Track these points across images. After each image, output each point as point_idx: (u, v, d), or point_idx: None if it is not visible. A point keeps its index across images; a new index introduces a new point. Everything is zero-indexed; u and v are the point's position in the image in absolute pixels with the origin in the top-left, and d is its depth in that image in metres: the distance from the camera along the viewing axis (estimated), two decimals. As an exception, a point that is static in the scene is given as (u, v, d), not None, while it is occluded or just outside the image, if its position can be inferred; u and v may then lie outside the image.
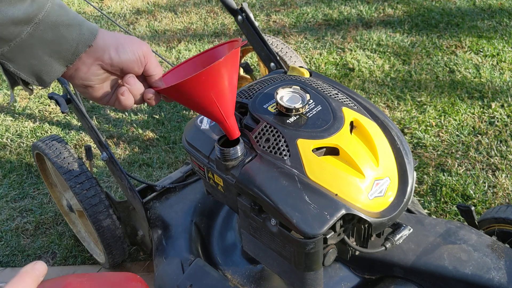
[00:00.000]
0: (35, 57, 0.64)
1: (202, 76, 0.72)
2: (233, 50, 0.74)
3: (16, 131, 2.41)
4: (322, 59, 2.75)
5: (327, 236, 0.89)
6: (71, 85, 1.52)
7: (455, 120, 2.22)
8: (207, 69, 0.71)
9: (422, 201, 1.84)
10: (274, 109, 0.99)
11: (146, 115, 2.45)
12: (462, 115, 2.25)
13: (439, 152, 2.05)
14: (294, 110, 0.96)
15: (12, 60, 0.63)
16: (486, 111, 2.25)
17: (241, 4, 1.47)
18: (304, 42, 2.93)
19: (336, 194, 0.88)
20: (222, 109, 0.81)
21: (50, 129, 2.41)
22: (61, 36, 0.64)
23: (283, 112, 0.97)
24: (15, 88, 0.69)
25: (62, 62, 0.67)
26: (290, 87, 1.00)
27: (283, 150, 0.92)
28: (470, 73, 2.52)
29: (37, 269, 0.52)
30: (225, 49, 0.80)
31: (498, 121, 2.19)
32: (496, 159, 1.99)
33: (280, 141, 0.93)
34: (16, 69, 0.64)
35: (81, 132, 2.37)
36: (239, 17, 1.48)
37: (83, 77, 0.70)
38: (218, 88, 0.76)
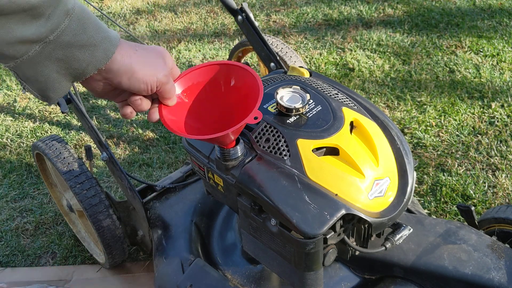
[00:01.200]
0: (42, 74, 0.61)
1: (213, 138, 0.75)
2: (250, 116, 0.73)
3: (16, 131, 2.41)
4: (322, 59, 2.75)
5: (327, 236, 0.89)
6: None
7: (455, 120, 2.22)
8: (219, 135, 0.73)
9: (422, 201, 1.84)
10: (274, 109, 0.99)
11: (146, 115, 2.45)
12: (462, 115, 2.25)
13: (439, 152, 2.05)
14: (294, 110, 0.96)
15: (19, 72, 0.61)
16: (486, 111, 2.25)
17: (241, 4, 1.47)
18: (304, 42, 2.93)
19: (336, 194, 0.88)
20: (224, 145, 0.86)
21: (50, 129, 2.41)
22: (71, 56, 0.61)
23: (283, 112, 0.97)
24: None
25: (69, 79, 0.64)
26: (290, 87, 1.00)
27: (283, 150, 0.92)
28: (470, 73, 2.52)
29: None
30: (244, 78, 0.79)
31: (498, 121, 2.19)
32: (496, 159, 1.99)
33: (280, 141, 0.93)
34: (23, 80, 0.62)
35: (81, 132, 2.37)
36: (239, 17, 1.48)
37: (88, 87, 0.68)
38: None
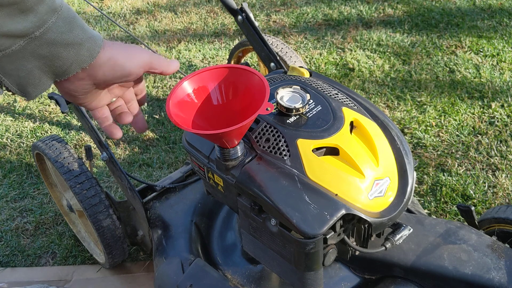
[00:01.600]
0: (24, 69, 0.60)
1: (223, 133, 0.75)
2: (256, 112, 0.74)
3: (16, 131, 2.41)
4: (322, 59, 2.75)
5: (327, 236, 0.89)
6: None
7: (455, 120, 2.22)
8: (230, 130, 0.73)
9: (422, 201, 1.84)
10: (274, 109, 0.99)
11: (146, 115, 2.45)
12: (462, 115, 2.25)
13: (439, 152, 2.05)
14: (294, 110, 0.96)
15: None
16: (486, 111, 2.25)
17: (241, 4, 1.47)
18: (304, 42, 2.93)
19: (336, 194, 0.88)
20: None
21: (50, 129, 2.41)
22: (56, 54, 0.60)
23: (283, 112, 0.97)
24: None
25: (50, 77, 0.63)
26: (290, 87, 1.00)
27: (283, 150, 0.92)
28: (470, 73, 2.52)
29: None
30: (254, 81, 0.79)
31: (498, 121, 2.19)
32: (496, 159, 1.99)
33: (280, 141, 0.93)
34: (2, 74, 0.60)
35: (81, 132, 2.37)
36: (239, 17, 1.48)
37: (69, 87, 0.66)
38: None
